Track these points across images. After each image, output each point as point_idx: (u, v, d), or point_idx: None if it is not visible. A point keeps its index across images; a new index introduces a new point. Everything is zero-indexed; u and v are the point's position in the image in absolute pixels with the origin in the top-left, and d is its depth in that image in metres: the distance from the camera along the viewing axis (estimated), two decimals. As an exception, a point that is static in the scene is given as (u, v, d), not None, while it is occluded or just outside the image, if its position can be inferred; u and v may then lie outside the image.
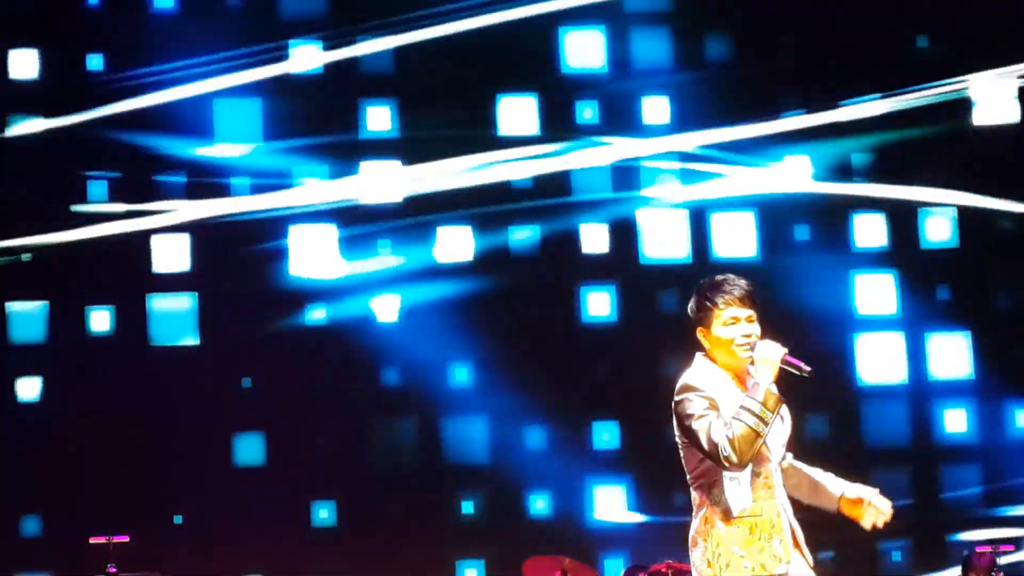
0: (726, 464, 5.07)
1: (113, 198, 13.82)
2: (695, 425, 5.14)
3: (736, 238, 14.18)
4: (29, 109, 13.81)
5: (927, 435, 14.10)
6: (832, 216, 14.27)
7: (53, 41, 13.94)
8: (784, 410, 5.29)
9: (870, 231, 14.32)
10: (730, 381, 5.27)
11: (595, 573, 10.83)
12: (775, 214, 14.20)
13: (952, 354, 14.16)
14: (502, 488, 13.85)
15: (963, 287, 14.31)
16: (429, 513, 13.84)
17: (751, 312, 5.27)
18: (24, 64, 13.86)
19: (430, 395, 13.90)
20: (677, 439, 5.31)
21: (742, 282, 5.29)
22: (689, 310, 5.36)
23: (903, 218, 14.29)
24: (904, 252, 14.29)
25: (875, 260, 14.28)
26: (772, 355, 5.16)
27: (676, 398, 5.24)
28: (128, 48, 13.89)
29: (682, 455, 5.31)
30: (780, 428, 5.29)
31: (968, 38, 14.24)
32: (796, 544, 5.26)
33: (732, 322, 5.24)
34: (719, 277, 5.33)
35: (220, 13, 14.02)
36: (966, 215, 14.22)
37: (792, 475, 5.47)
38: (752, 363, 5.23)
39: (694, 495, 5.30)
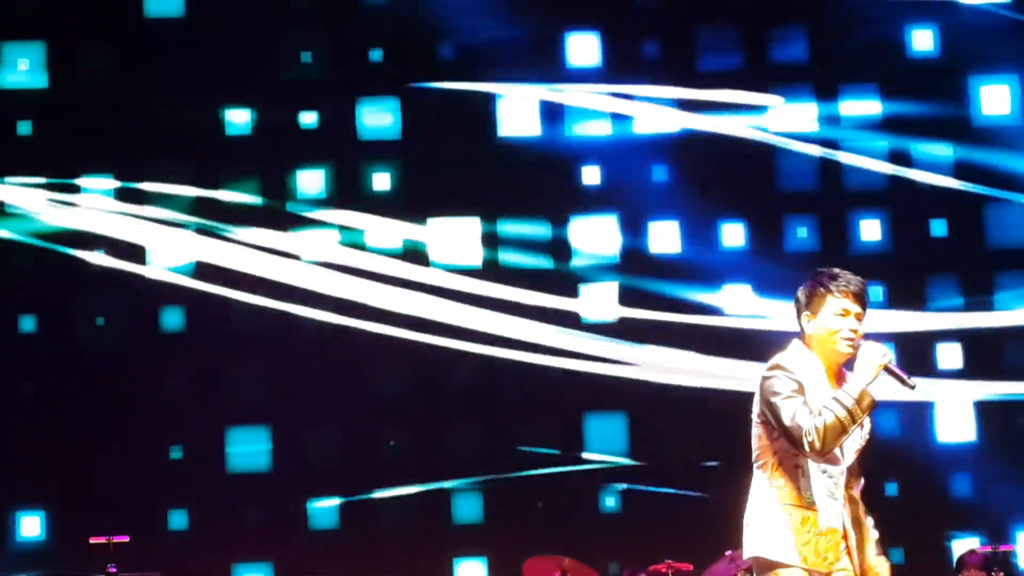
0: (807, 448, 5.03)
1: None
2: (781, 403, 5.10)
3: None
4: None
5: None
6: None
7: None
8: (866, 421, 5.25)
9: None
10: (822, 372, 5.24)
11: (595, 573, 10.83)
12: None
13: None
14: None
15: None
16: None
17: (861, 311, 5.24)
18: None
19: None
20: (753, 416, 5.28)
21: (858, 279, 5.28)
22: (799, 294, 5.31)
23: None
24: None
25: None
26: (876, 359, 5.12)
27: (765, 374, 5.20)
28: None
29: (754, 433, 5.28)
30: (856, 436, 5.24)
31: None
32: (848, 551, 5.24)
33: (843, 314, 5.21)
34: (836, 270, 5.30)
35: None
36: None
37: (854, 505, 5.39)
38: (842, 362, 5.22)
39: (756, 476, 5.27)
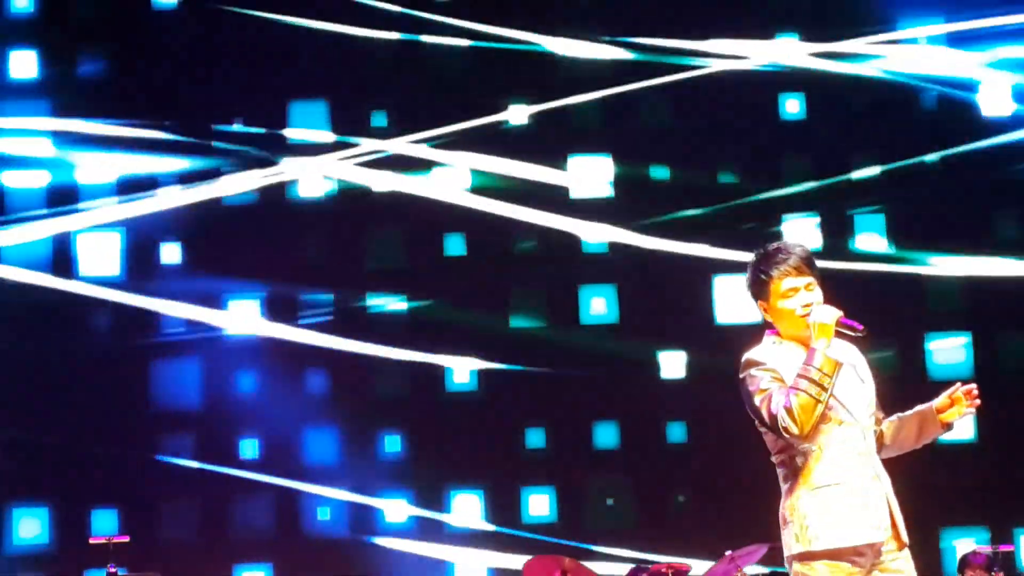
0: (786, 435, 4.84)
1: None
2: (757, 401, 4.91)
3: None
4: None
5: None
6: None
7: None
8: (865, 371, 5.08)
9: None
10: (800, 351, 4.98)
11: (595, 573, 10.81)
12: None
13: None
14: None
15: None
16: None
17: (810, 279, 5.01)
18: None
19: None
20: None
21: (797, 249, 5.05)
22: (746, 284, 5.11)
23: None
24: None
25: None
26: (827, 319, 4.90)
27: (740, 375, 5.01)
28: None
29: (762, 432, 5.05)
30: (860, 390, 5.03)
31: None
32: (891, 516, 4.96)
33: (791, 292, 5.00)
34: (772, 246, 5.09)
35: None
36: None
37: (899, 429, 5.17)
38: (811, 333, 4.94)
39: (779, 472, 5.05)
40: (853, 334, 4.98)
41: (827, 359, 4.86)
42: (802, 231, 14.20)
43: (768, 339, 5.09)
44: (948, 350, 14.34)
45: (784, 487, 5.02)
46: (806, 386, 4.83)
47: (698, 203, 14.23)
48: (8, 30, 14.10)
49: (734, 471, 13.25)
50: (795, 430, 4.82)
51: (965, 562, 10.46)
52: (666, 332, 14.13)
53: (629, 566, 11.14)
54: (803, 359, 4.92)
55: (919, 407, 5.20)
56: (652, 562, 11.06)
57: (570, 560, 10.58)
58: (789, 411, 4.81)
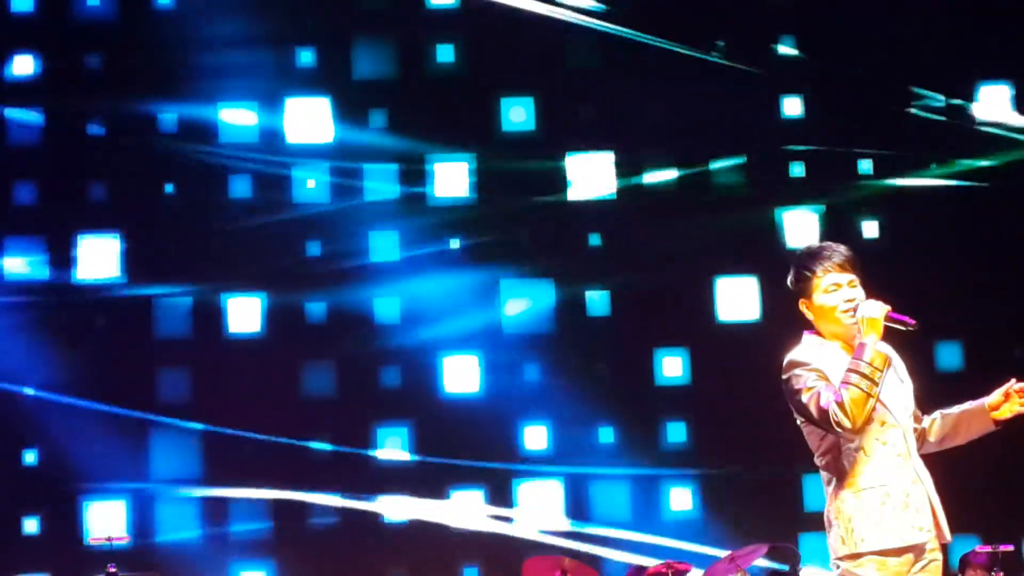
0: (839, 429, 4.89)
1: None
2: (804, 399, 4.98)
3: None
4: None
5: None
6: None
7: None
8: (903, 372, 5.16)
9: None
10: (840, 352, 5.09)
11: (595, 573, 10.82)
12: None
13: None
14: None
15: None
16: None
17: (852, 277, 5.13)
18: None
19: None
20: (797, 420, 5.14)
21: (841, 248, 5.17)
22: (788, 282, 5.22)
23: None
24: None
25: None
26: (876, 313, 4.99)
27: (783, 376, 5.09)
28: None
29: (805, 433, 5.15)
30: (900, 391, 5.12)
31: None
32: (933, 515, 5.06)
33: (833, 288, 5.10)
34: (816, 245, 5.22)
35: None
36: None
37: (944, 426, 5.29)
38: (858, 328, 5.03)
39: (823, 474, 5.12)
40: (904, 328, 5.04)
41: (877, 353, 4.94)
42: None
43: (808, 339, 5.17)
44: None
45: (828, 489, 5.10)
46: (856, 380, 4.89)
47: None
48: (8, 30, 14.10)
49: (735, 470, 13.27)
50: (847, 424, 4.87)
51: (965, 562, 10.46)
52: (666, 332, 14.10)
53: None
54: (848, 356, 5.01)
55: (967, 404, 5.30)
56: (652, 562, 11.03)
57: (570, 560, 10.60)
58: (841, 405, 4.87)
